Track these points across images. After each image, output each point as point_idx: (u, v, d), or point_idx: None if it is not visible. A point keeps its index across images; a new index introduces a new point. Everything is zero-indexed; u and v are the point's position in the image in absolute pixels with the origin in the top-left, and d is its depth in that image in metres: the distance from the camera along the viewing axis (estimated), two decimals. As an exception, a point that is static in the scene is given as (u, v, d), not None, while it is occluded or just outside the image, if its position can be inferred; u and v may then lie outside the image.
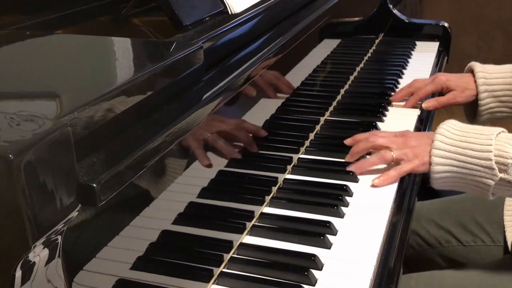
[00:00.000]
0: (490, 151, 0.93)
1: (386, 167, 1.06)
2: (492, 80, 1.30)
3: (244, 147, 0.94)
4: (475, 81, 1.32)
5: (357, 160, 1.08)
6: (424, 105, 1.33)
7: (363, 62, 1.62)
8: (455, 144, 0.97)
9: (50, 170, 0.43)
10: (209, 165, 0.83)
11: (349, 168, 1.05)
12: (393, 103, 1.38)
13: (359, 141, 1.09)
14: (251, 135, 0.96)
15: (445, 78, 1.35)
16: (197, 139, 0.77)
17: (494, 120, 1.36)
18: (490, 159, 0.93)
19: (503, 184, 0.94)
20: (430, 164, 0.99)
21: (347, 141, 1.11)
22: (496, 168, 0.93)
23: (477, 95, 1.32)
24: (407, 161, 1.02)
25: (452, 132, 0.99)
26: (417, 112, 1.34)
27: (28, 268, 0.44)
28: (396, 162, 1.04)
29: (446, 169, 0.97)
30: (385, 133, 1.10)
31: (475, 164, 0.95)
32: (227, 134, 0.88)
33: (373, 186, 1.02)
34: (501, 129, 0.98)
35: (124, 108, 0.57)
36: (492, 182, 0.94)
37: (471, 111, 1.39)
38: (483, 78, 1.31)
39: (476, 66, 1.34)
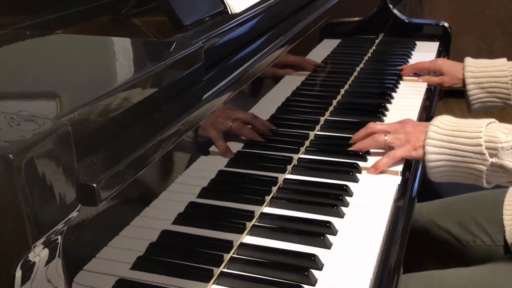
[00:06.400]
0: (480, 137, 0.97)
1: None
2: (479, 74, 1.45)
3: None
4: (464, 74, 1.49)
5: None
6: (418, 79, 1.56)
7: (363, 62, 1.62)
8: (448, 133, 1.01)
9: (50, 170, 0.43)
10: (230, 153, 0.86)
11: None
12: (404, 77, 1.60)
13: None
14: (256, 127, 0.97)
15: (441, 62, 1.58)
16: (202, 133, 0.78)
17: (488, 110, 1.51)
18: (480, 145, 0.96)
19: (495, 170, 0.97)
20: (423, 151, 1.03)
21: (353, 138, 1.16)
22: (487, 153, 0.96)
23: (464, 85, 1.48)
24: (399, 146, 1.07)
25: (445, 124, 1.03)
26: (424, 85, 1.53)
27: (28, 268, 0.44)
28: (390, 147, 1.09)
29: (440, 157, 1.01)
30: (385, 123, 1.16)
31: (466, 151, 0.98)
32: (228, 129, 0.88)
33: (369, 173, 1.06)
34: (492, 120, 1.02)
35: (124, 108, 0.57)
36: (483, 168, 0.97)
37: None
38: (470, 71, 1.47)
39: (467, 60, 1.50)
